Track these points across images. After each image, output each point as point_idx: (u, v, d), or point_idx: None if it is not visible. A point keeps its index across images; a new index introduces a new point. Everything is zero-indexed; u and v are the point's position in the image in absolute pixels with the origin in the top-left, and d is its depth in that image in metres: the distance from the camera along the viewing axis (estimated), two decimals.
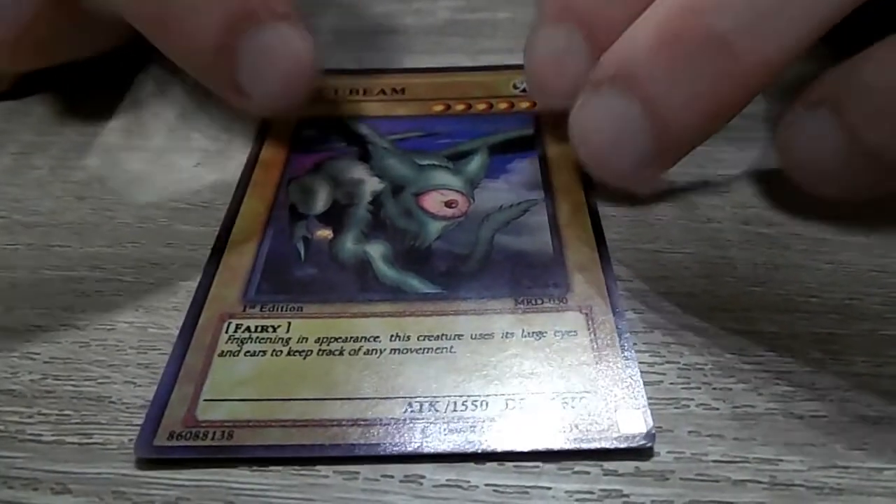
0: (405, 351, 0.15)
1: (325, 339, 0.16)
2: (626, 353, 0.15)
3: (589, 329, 0.16)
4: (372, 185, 0.20)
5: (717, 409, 0.14)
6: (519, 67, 0.25)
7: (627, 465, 0.13)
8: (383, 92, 0.24)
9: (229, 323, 0.16)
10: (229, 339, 0.16)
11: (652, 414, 0.14)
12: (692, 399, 0.15)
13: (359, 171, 0.21)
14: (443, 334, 0.16)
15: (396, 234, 0.19)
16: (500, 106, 0.23)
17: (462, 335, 0.16)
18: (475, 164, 0.21)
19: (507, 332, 0.16)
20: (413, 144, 0.21)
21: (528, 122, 0.22)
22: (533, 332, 0.16)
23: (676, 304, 0.16)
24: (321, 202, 0.20)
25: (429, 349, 0.15)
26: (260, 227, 0.19)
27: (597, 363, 0.15)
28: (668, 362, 0.15)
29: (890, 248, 0.18)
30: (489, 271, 0.17)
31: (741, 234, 0.18)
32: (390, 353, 0.15)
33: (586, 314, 0.16)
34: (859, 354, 0.15)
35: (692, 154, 0.21)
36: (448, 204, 0.19)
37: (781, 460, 0.13)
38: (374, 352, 0.15)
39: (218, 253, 0.18)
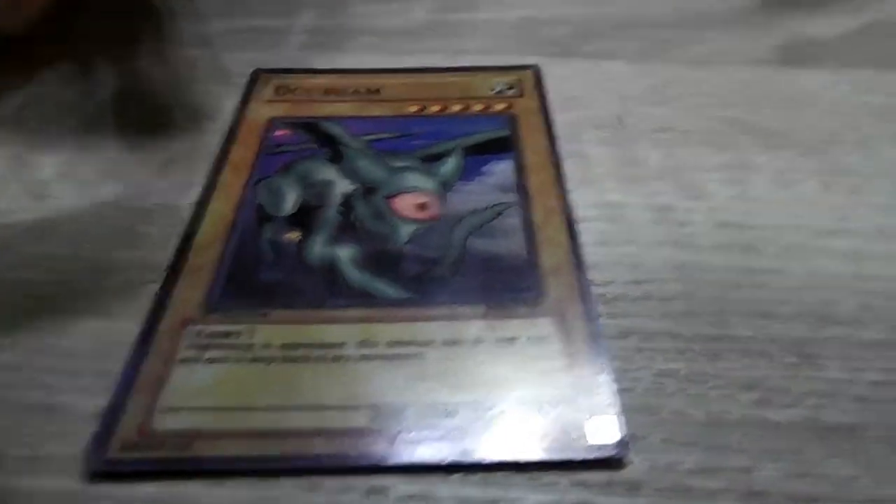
0: (373, 358, 0.15)
1: (290, 346, 0.15)
2: (598, 360, 0.15)
3: (561, 335, 0.15)
4: (343, 186, 0.20)
5: (692, 416, 0.14)
6: (497, 69, 0.25)
7: (599, 476, 0.13)
8: (357, 92, 0.23)
9: (191, 329, 0.16)
10: (190, 345, 0.15)
11: (625, 422, 0.14)
12: (666, 406, 0.14)
13: (329, 173, 0.20)
14: (412, 340, 0.15)
15: (367, 237, 0.18)
16: (476, 107, 0.23)
17: (432, 341, 0.15)
18: (449, 165, 0.20)
19: (477, 339, 0.15)
20: (386, 145, 0.21)
21: (504, 123, 0.22)
22: (504, 339, 0.15)
23: (651, 308, 0.16)
24: (290, 204, 0.19)
25: (397, 356, 0.15)
26: (226, 229, 0.18)
27: (569, 370, 0.15)
28: (641, 368, 0.15)
29: (864, 253, 0.18)
30: (461, 276, 0.17)
31: (716, 238, 0.18)
32: (358, 360, 0.15)
33: (559, 319, 0.16)
34: (834, 359, 0.15)
35: (669, 156, 0.21)
36: (420, 206, 0.19)
37: (756, 469, 0.13)
38: (341, 359, 0.15)
39: (181, 256, 0.17)
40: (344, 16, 0.28)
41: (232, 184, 0.20)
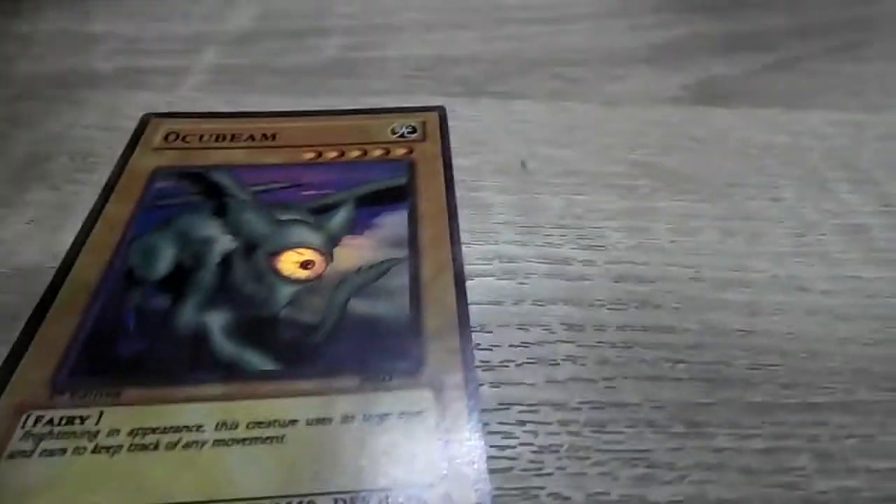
0: (231, 442, 0.14)
1: (139, 431, 0.14)
2: (474, 437, 0.14)
3: (438, 409, 0.14)
4: (223, 244, 0.18)
5: (570, 497, 0.13)
6: (400, 111, 0.24)
7: None
8: (252, 138, 0.22)
9: (28, 415, 0.14)
10: (25, 435, 0.14)
11: None
12: (543, 487, 0.13)
13: (211, 228, 0.19)
14: (275, 420, 0.14)
15: (243, 301, 0.17)
16: (375, 153, 0.22)
17: (297, 421, 0.14)
18: (339, 218, 0.19)
19: (347, 416, 0.14)
20: (276, 196, 0.20)
21: (402, 170, 0.21)
22: (376, 415, 0.14)
23: (537, 374, 0.15)
24: (164, 265, 0.18)
25: (257, 439, 0.14)
26: (88, 296, 0.17)
27: (442, 449, 0.14)
28: (521, 444, 0.14)
29: (757, 306, 0.17)
30: (337, 344, 0.16)
31: (612, 293, 0.17)
32: (213, 445, 0.14)
33: (437, 391, 0.15)
34: (723, 426, 0.14)
35: (570, 204, 0.20)
36: (304, 265, 0.18)
37: None
38: (196, 444, 0.14)
39: (33, 327, 0.16)
40: (250, 53, 0.27)
41: (103, 243, 0.18)
